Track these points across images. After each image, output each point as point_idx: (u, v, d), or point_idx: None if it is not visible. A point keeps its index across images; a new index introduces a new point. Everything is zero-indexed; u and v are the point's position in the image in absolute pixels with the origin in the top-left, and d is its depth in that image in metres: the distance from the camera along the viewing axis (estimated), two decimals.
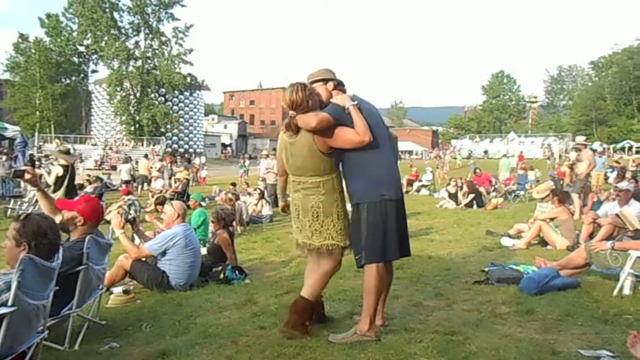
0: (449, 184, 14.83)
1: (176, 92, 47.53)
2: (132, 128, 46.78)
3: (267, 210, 11.21)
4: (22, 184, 12.14)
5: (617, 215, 6.08)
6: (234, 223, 7.49)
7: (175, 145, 47.80)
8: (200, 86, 50.73)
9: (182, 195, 13.79)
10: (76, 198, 5.37)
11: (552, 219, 7.06)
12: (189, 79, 47.63)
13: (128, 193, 12.43)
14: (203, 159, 38.35)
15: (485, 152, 51.98)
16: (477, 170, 17.89)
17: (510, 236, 7.58)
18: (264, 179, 13.99)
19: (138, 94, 46.86)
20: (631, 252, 4.25)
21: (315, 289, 3.26)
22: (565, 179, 12.09)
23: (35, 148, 33.49)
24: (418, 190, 18.54)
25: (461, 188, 13.95)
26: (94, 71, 57.03)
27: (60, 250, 2.82)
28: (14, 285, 2.28)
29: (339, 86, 3.30)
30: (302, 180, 3.18)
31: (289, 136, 3.19)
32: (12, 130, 15.49)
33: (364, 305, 3.13)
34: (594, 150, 16.59)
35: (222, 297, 4.45)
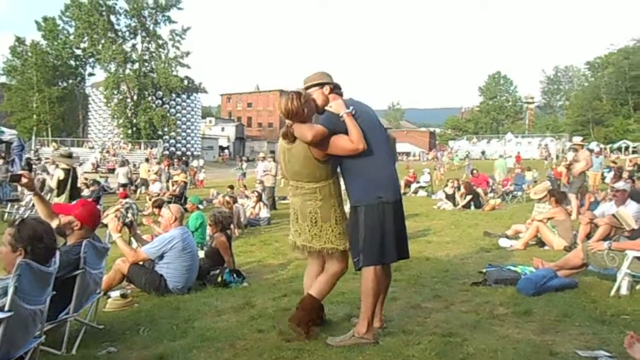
0: (446, 185, 14.84)
1: (173, 95, 47.46)
2: (130, 131, 46.69)
3: (264, 213, 11.20)
4: (19, 187, 12.10)
5: (613, 215, 6.10)
6: (232, 226, 7.48)
7: (172, 148, 47.72)
8: (197, 89, 50.72)
9: (180, 198, 13.76)
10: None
11: (549, 219, 7.08)
12: (186, 82, 47.62)
13: (125, 196, 12.38)
14: (201, 161, 38.30)
15: (483, 153, 52.05)
16: (475, 171, 17.92)
17: (507, 237, 7.59)
18: (261, 182, 13.97)
19: (135, 97, 46.81)
20: (628, 252, 4.27)
21: (323, 289, 3.28)
22: (562, 179, 12.11)
23: (32, 151, 33.41)
24: (416, 192, 18.54)
25: (459, 189, 13.96)
26: (91, 74, 57.04)
27: (57, 255, 2.82)
28: (10, 291, 2.28)
29: (335, 89, 3.31)
30: (300, 185, 3.21)
31: (286, 142, 3.22)
32: (9, 134, 15.42)
33: (362, 307, 3.14)
34: (591, 151, 16.67)
35: (219, 300, 4.44)
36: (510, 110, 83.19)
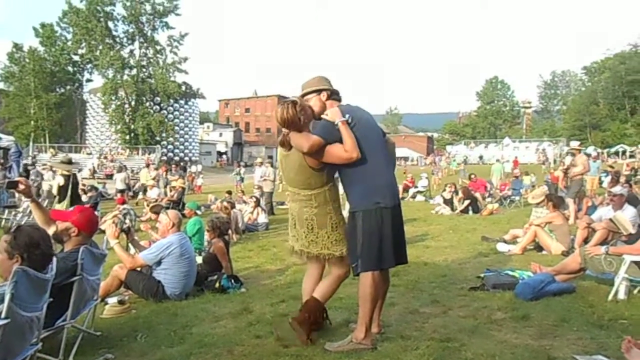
0: (444, 190, 14.85)
1: (171, 101, 47.42)
2: (127, 137, 46.64)
3: (262, 218, 11.19)
4: (17, 194, 12.07)
5: (611, 220, 6.11)
6: (230, 231, 7.47)
7: (170, 154, 47.72)
8: (195, 94, 50.70)
9: (178, 203, 13.74)
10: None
11: (547, 224, 7.09)
12: (183, 87, 47.59)
13: (123, 202, 12.35)
14: (199, 167, 38.32)
15: (480, 157, 52.18)
16: (472, 176, 17.93)
17: (505, 242, 7.60)
18: (259, 187, 13.96)
19: (133, 103, 46.78)
20: (625, 257, 4.27)
21: (327, 292, 3.30)
22: (560, 183, 12.15)
23: (30, 158, 33.33)
24: (414, 197, 18.55)
25: (456, 194, 13.98)
26: (88, 80, 56.99)
27: (54, 261, 2.81)
28: (7, 298, 2.27)
29: (333, 95, 3.31)
30: (296, 191, 3.24)
31: (284, 150, 3.25)
32: (6, 140, 15.40)
33: (360, 313, 3.14)
34: (588, 155, 16.74)
35: (217, 306, 4.44)
36: (508, 115, 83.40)
